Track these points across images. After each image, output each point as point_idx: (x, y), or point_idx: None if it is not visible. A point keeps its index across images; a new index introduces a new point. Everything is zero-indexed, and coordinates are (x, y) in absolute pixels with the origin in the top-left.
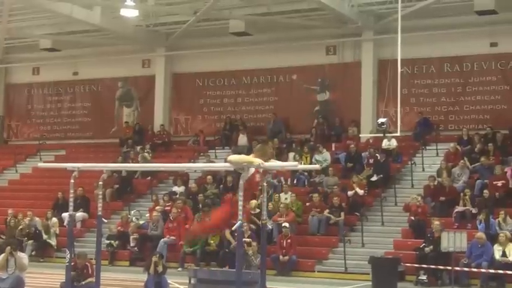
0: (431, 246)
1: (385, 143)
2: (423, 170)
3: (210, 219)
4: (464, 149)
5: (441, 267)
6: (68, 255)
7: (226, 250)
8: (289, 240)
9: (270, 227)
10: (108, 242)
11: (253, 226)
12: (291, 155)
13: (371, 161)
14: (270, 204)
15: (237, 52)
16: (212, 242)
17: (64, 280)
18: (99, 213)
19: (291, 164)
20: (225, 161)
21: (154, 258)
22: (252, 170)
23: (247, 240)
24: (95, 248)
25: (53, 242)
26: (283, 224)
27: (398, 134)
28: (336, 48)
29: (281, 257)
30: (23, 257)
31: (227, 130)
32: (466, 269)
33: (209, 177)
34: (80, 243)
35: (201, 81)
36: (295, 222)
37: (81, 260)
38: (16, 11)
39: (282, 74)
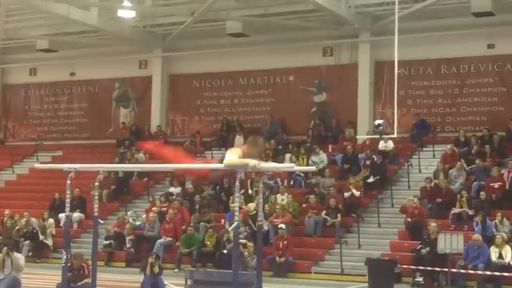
0: (428, 248)
1: (381, 145)
2: (420, 171)
3: None
4: (461, 151)
5: (438, 269)
6: (65, 256)
7: (223, 251)
8: (285, 242)
9: (266, 228)
10: (107, 242)
11: (248, 230)
12: (288, 156)
13: (368, 162)
14: (266, 205)
15: (233, 53)
16: (209, 243)
17: (60, 281)
18: (96, 214)
19: (287, 165)
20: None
21: (150, 259)
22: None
23: (243, 241)
24: (91, 248)
25: (50, 242)
26: (279, 225)
27: (395, 135)
28: (333, 50)
29: (277, 258)
30: (20, 257)
31: (224, 131)
32: (462, 270)
33: None
34: (77, 244)
35: (198, 82)
36: (291, 224)
37: (78, 260)
38: (13, 12)
39: (279, 75)
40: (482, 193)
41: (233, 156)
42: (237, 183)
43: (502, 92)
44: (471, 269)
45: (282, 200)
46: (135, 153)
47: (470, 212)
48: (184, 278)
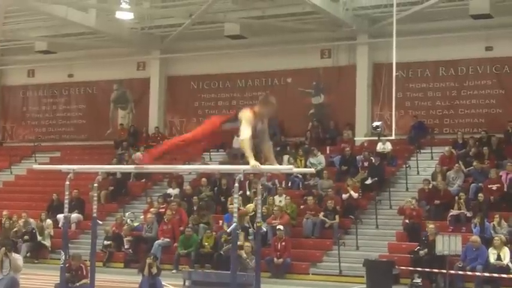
0: (426, 250)
1: (379, 147)
2: (418, 173)
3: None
4: (459, 153)
5: (436, 270)
6: (63, 257)
7: (221, 252)
8: (283, 243)
9: (264, 229)
10: (108, 243)
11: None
12: (286, 157)
13: (366, 164)
14: (264, 207)
15: (232, 55)
16: (207, 244)
17: (59, 281)
18: (94, 215)
19: (286, 167)
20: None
21: (148, 260)
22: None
23: (240, 243)
24: (89, 249)
25: (48, 243)
26: (277, 227)
27: (393, 137)
28: (331, 52)
29: (275, 259)
30: (18, 258)
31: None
32: (460, 272)
33: (204, 179)
34: (75, 244)
35: (196, 84)
36: (289, 225)
37: (76, 261)
38: (11, 13)
39: (277, 77)
40: (480, 195)
41: (247, 130)
42: (236, 184)
43: (500, 94)
44: (469, 271)
45: (280, 201)
46: (132, 154)
47: (469, 214)
48: (183, 279)
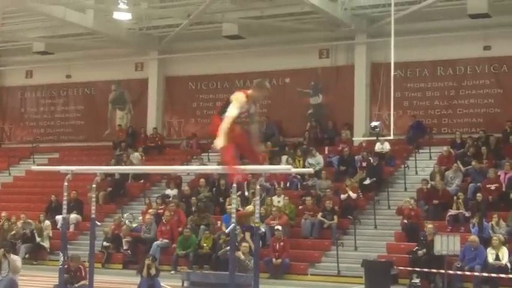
0: (425, 250)
1: (378, 147)
2: (416, 173)
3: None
4: (458, 153)
5: (434, 270)
6: (62, 258)
7: (219, 254)
8: (282, 243)
9: (262, 230)
10: (106, 244)
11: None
12: (284, 158)
13: (364, 164)
14: (262, 207)
15: (230, 55)
16: (205, 245)
17: (57, 283)
18: (93, 216)
19: (284, 167)
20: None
21: (147, 261)
22: None
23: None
24: (88, 250)
25: (46, 244)
26: (276, 227)
27: (391, 137)
28: (329, 52)
29: (274, 260)
30: (16, 259)
31: None
32: (459, 272)
33: (202, 180)
34: (73, 245)
35: (194, 84)
36: (288, 225)
37: (75, 262)
38: (9, 14)
39: (275, 77)
40: (478, 195)
41: (234, 110)
42: (234, 185)
43: (498, 94)
44: (468, 271)
45: (279, 202)
46: (130, 154)
47: (467, 214)
48: (181, 280)
